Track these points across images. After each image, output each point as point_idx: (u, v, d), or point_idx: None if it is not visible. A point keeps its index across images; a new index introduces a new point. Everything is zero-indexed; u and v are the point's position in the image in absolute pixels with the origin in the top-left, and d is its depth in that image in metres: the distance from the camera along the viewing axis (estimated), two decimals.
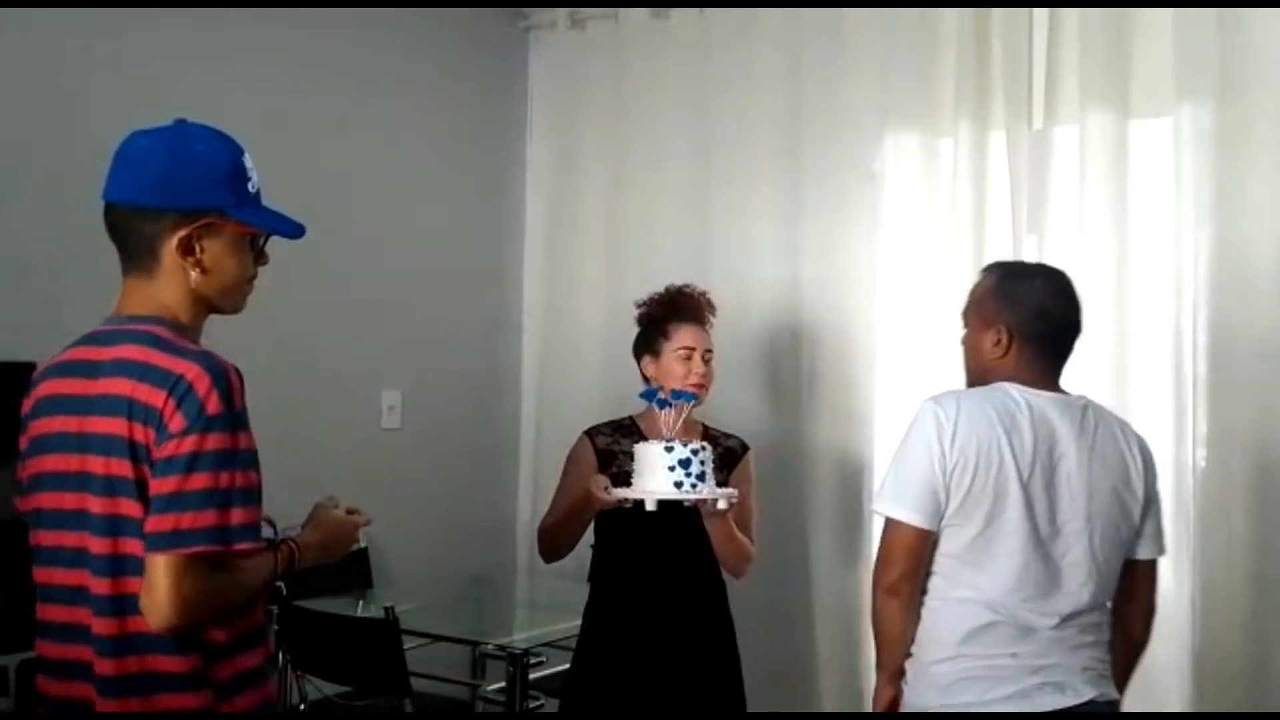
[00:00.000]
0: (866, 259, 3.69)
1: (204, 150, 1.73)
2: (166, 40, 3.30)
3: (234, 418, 1.60)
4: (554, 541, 2.86)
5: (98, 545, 1.61)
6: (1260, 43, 3.12)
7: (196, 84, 3.31)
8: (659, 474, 2.49)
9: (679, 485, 2.48)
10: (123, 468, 1.59)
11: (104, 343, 1.69)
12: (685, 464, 2.48)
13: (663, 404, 2.59)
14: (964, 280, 3.50)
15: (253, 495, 1.63)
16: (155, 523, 1.57)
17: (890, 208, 3.69)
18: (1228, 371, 3.16)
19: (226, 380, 1.61)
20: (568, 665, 3.44)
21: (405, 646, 3.10)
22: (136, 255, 1.72)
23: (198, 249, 1.70)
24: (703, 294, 2.93)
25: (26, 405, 1.73)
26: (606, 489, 2.60)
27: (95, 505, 1.62)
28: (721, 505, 2.56)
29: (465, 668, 3.74)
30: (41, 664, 1.71)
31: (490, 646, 3.50)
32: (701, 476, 2.49)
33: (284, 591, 3.12)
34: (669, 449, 2.48)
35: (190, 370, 1.59)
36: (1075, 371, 3.34)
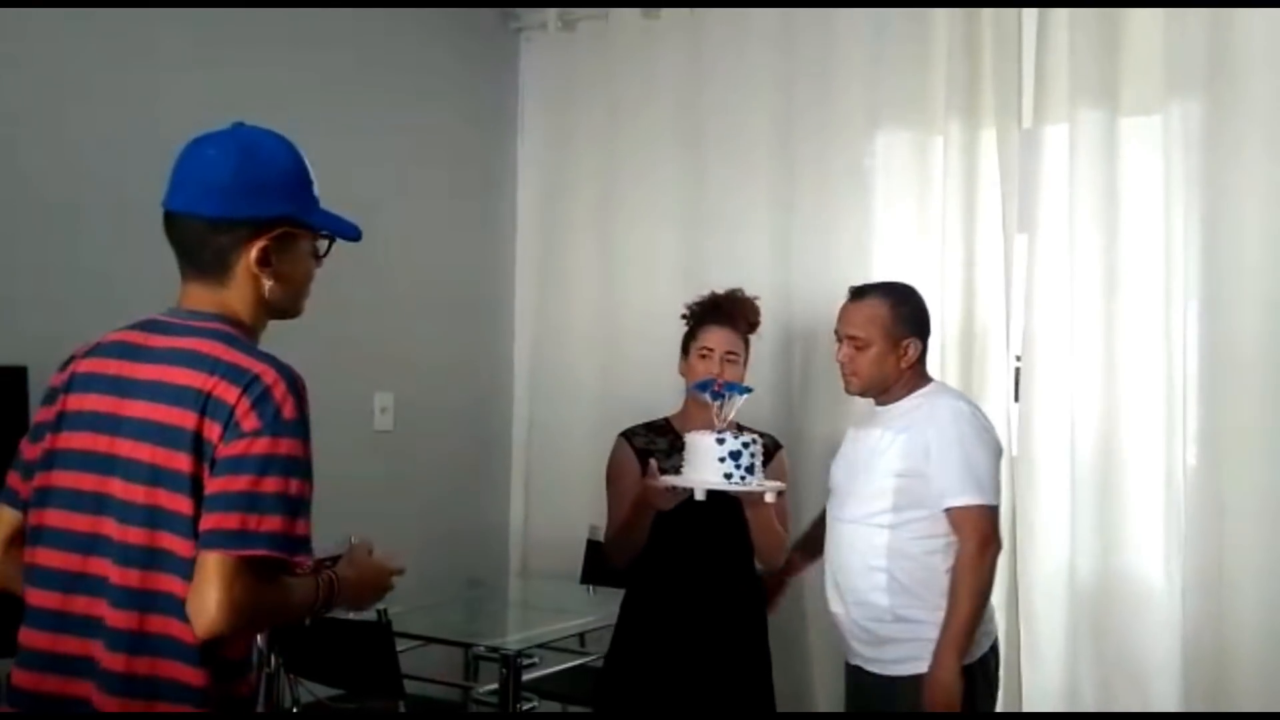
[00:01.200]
0: (857, 257, 3.69)
1: (273, 157, 1.70)
2: (164, 40, 3.29)
3: (305, 426, 1.58)
4: (624, 547, 2.86)
5: (132, 535, 1.55)
6: (1249, 40, 3.13)
7: (190, 85, 3.30)
8: (710, 465, 2.56)
9: (728, 476, 2.56)
10: (180, 461, 1.54)
11: (163, 331, 1.64)
12: (736, 456, 2.56)
13: (716, 395, 2.66)
14: (956, 278, 3.55)
15: (309, 509, 1.59)
16: (218, 520, 1.51)
17: (881, 206, 3.69)
18: (1218, 369, 3.16)
19: (299, 387, 1.58)
20: (561, 667, 3.44)
21: (398, 649, 3.10)
22: (205, 264, 1.67)
23: (274, 260, 1.67)
24: (750, 299, 3.01)
25: (59, 379, 1.68)
26: (654, 475, 2.67)
27: (125, 491, 1.56)
28: (769, 498, 2.64)
29: (458, 670, 3.74)
30: (23, 655, 1.62)
31: (483, 648, 3.50)
32: (751, 469, 2.57)
33: None
34: (720, 440, 2.56)
35: (267, 372, 1.57)
36: (1065, 370, 3.38)
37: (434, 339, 4.14)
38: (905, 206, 3.66)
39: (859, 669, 2.77)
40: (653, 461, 2.76)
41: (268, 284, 1.68)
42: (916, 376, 2.79)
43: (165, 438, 1.55)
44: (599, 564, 4.00)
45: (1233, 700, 3.08)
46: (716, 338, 2.91)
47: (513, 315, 4.46)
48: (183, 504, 1.54)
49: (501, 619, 4.00)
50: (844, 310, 2.82)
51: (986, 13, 3.52)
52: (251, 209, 1.65)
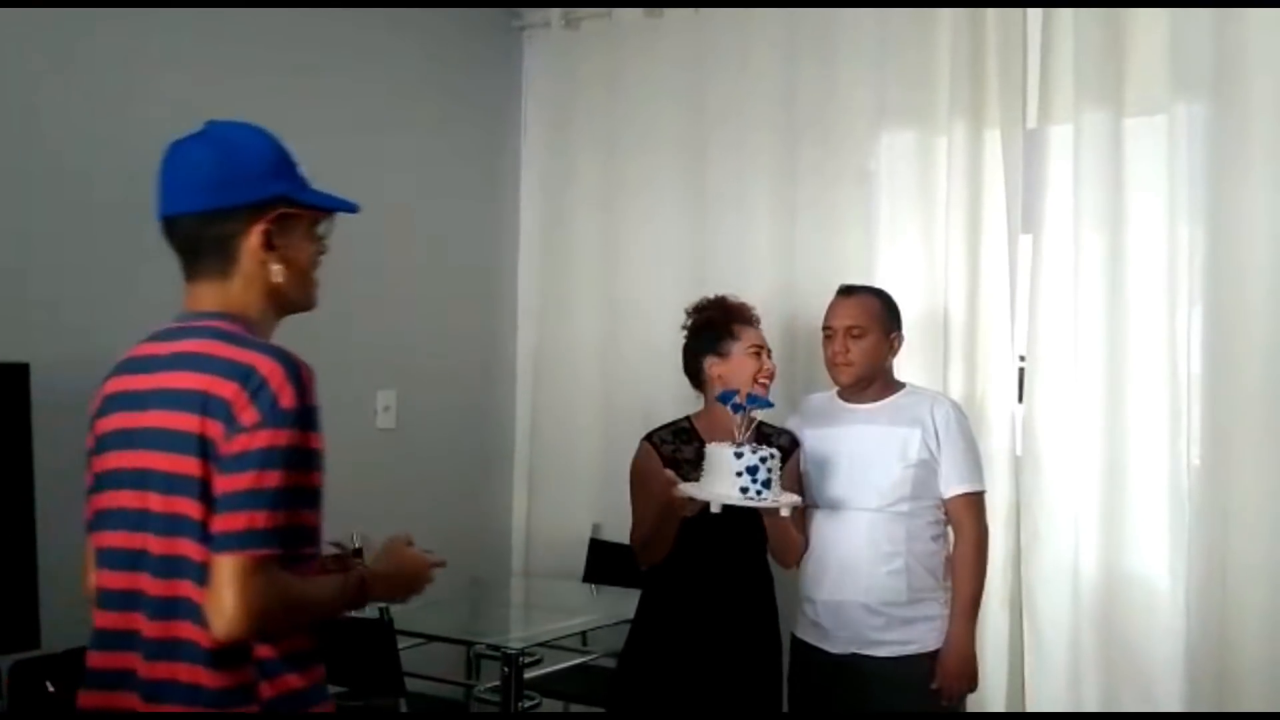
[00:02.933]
0: (861, 257, 3.69)
1: (250, 142, 1.69)
2: (162, 39, 3.29)
3: (308, 414, 1.54)
4: (651, 551, 2.85)
5: (156, 545, 1.55)
6: (1255, 41, 3.12)
7: (189, 84, 3.30)
8: (727, 479, 2.55)
9: (744, 491, 2.55)
10: (188, 465, 1.53)
11: (166, 339, 1.64)
12: (753, 471, 2.54)
13: (738, 408, 2.65)
14: (960, 278, 3.55)
15: (320, 499, 1.58)
16: (224, 521, 1.50)
17: (885, 206, 3.69)
18: (1222, 369, 3.16)
19: (299, 374, 1.55)
20: (563, 665, 3.44)
21: (400, 647, 3.10)
22: (210, 260, 1.66)
23: (276, 243, 1.66)
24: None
25: (93, 405, 1.68)
26: (675, 485, 2.66)
27: (156, 503, 1.56)
28: (785, 513, 2.65)
29: (460, 668, 3.74)
30: (89, 676, 1.62)
31: (484, 647, 3.50)
32: (768, 484, 2.56)
33: None
34: (739, 455, 2.55)
35: (262, 363, 1.54)
36: (1069, 370, 3.37)
37: (437, 337, 4.14)
38: (909, 206, 3.66)
39: (858, 656, 2.83)
40: (668, 473, 2.74)
41: (275, 268, 1.66)
42: (891, 375, 2.99)
43: (174, 444, 1.54)
44: (601, 562, 4.01)
45: (1237, 700, 3.07)
46: (756, 334, 2.94)
47: (515, 313, 4.45)
48: (194, 509, 1.53)
49: (503, 617, 4.00)
50: (836, 305, 2.97)
51: (991, 13, 3.52)
52: (244, 195, 1.64)
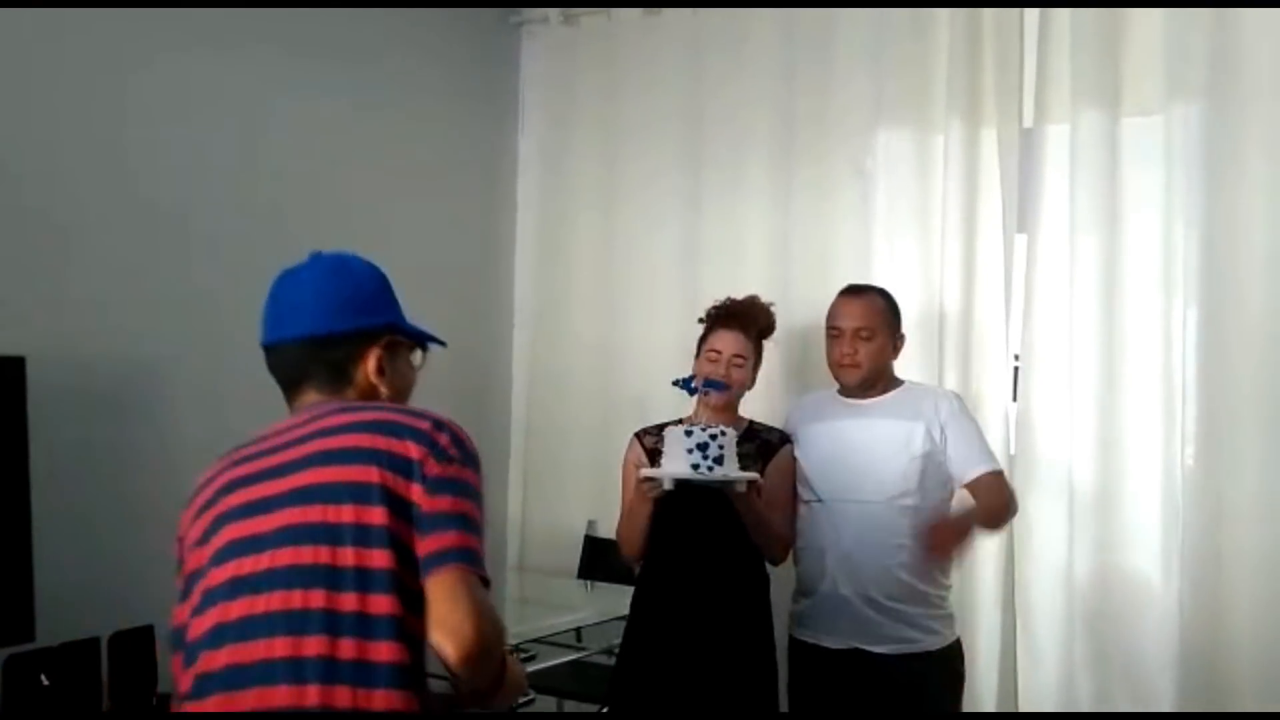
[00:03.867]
0: (858, 255, 3.69)
1: (364, 271, 1.77)
2: (158, 36, 3.28)
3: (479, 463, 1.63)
4: (628, 539, 2.98)
5: (332, 600, 1.49)
6: (1251, 42, 3.13)
7: (186, 81, 3.30)
8: (680, 456, 2.68)
9: (695, 467, 2.66)
10: (373, 514, 1.51)
11: (299, 426, 1.63)
12: (703, 447, 2.66)
13: (692, 390, 2.84)
14: (955, 277, 3.55)
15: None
16: (437, 540, 1.52)
17: (881, 204, 3.69)
18: (1216, 370, 3.17)
19: (463, 433, 1.65)
20: (558, 661, 3.45)
21: None
22: (320, 380, 1.71)
23: (387, 368, 1.73)
24: (765, 305, 3.09)
25: (201, 497, 1.65)
26: (640, 468, 2.84)
27: (325, 555, 1.51)
28: (740, 487, 2.73)
29: None
30: None
31: None
32: (719, 460, 2.66)
33: None
34: (688, 433, 2.67)
35: (432, 423, 1.62)
36: (1064, 370, 3.38)
37: (433, 333, 4.13)
38: (906, 205, 3.66)
39: (858, 650, 2.84)
40: (634, 457, 2.94)
41: (385, 393, 1.72)
42: (892, 373, 3.03)
43: (350, 495, 1.53)
44: (597, 559, 4.01)
45: (1230, 699, 3.08)
46: (725, 341, 3.00)
47: (512, 310, 4.45)
48: (384, 558, 1.52)
49: (498, 613, 3.99)
50: (843, 306, 2.98)
51: (988, 13, 3.52)
52: (360, 320, 1.72)
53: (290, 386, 1.73)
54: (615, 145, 4.17)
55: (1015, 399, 3.51)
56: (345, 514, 1.51)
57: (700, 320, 3.12)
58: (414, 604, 1.50)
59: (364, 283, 1.76)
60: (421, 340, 1.81)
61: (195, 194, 3.30)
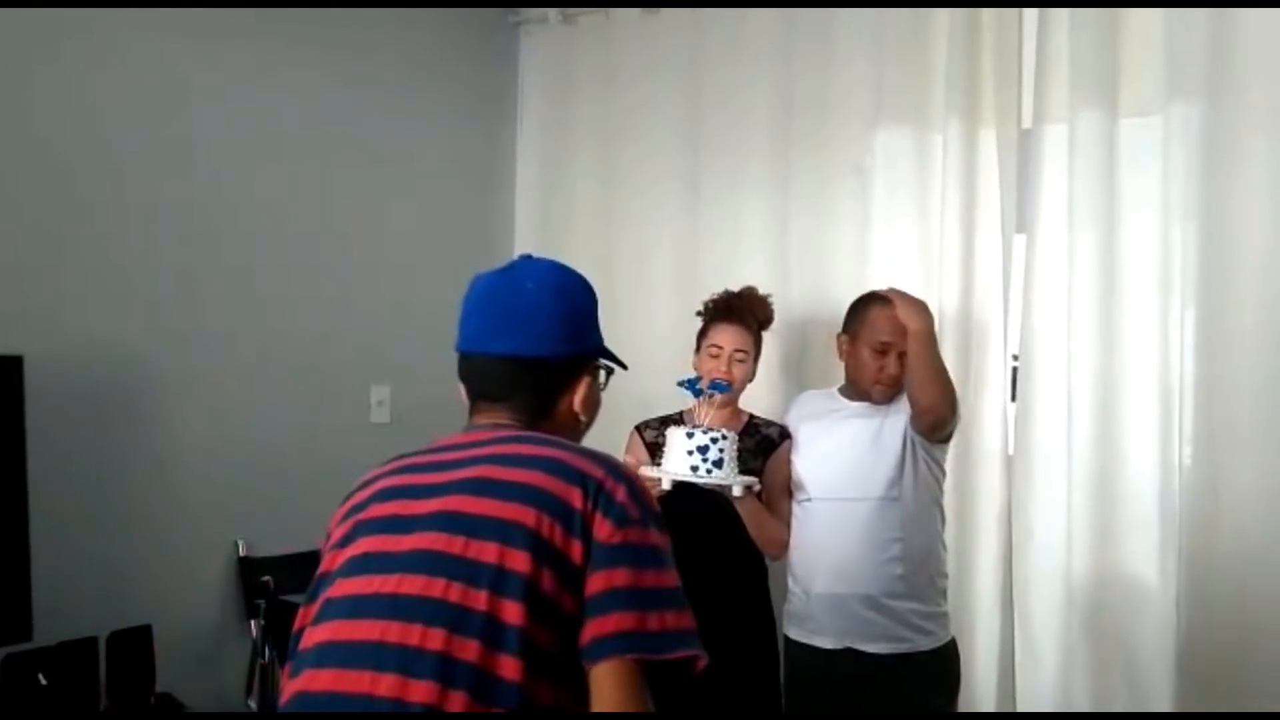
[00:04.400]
0: (856, 254, 3.69)
1: (581, 285, 1.67)
2: (160, 36, 3.28)
3: (659, 519, 1.47)
4: None
5: (452, 644, 1.36)
6: (1250, 42, 3.12)
7: (186, 80, 3.30)
8: (679, 458, 2.69)
9: (694, 469, 2.67)
10: (517, 559, 1.38)
11: (473, 445, 1.54)
12: (703, 450, 2.67)
13: (697, 392, 2.82)
14: (954, 277, 3.55)
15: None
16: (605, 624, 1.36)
17: (880, 204, 3.69)
18: (1214, 370, 3.16)
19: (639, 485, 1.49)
20: None
21: None
22: (524, 406, 1.59)
23: (592, 397, 1.63)
24: (762, 296, 3.09)
25: (360, 496, 1.58)
26: (638, 467, 2.82)
27: (456, 593, 1.38)
28: (737, 492, 2.74)
29: None
30: None
31: None
32: (719, 463, 2.68)
33: (272, 585, 3.11)
34: (690, 435, 2.69)
35: (601, 467, 1.48)
36: (1063, 369, 3.38)
37: (431, 332, 4.12)
38: (904, 205, 3.65)
39: (853, 650, 2.84)
40: (635, 455, 2.93)
41: (583, 419, 1.63)
42: None
43: (503, 535, 1.42)
44: None
45: (1228, 700, 3.08)
46: (725, 336, 2.99)
47: None
48: (515, 612, 1.38)
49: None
50: (885, 318, 2.93)
51: (986, 12, 3.52)
52: (575, 345, 1.62)
53: (481, 399, 1.62)
54: (614, 145, 4.17)
55: (1014, 398, 3.51)
56: (488, 552, 1.38)
57: (698, 314, 3.11)
58: (542, 667, 1.36)
59: (581, 299, 1.64)
60: (619, 362, 1.70)
61: (194, 194, 3.31)
